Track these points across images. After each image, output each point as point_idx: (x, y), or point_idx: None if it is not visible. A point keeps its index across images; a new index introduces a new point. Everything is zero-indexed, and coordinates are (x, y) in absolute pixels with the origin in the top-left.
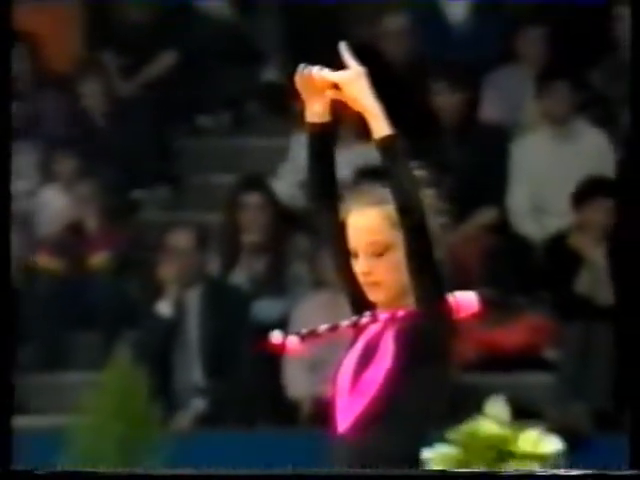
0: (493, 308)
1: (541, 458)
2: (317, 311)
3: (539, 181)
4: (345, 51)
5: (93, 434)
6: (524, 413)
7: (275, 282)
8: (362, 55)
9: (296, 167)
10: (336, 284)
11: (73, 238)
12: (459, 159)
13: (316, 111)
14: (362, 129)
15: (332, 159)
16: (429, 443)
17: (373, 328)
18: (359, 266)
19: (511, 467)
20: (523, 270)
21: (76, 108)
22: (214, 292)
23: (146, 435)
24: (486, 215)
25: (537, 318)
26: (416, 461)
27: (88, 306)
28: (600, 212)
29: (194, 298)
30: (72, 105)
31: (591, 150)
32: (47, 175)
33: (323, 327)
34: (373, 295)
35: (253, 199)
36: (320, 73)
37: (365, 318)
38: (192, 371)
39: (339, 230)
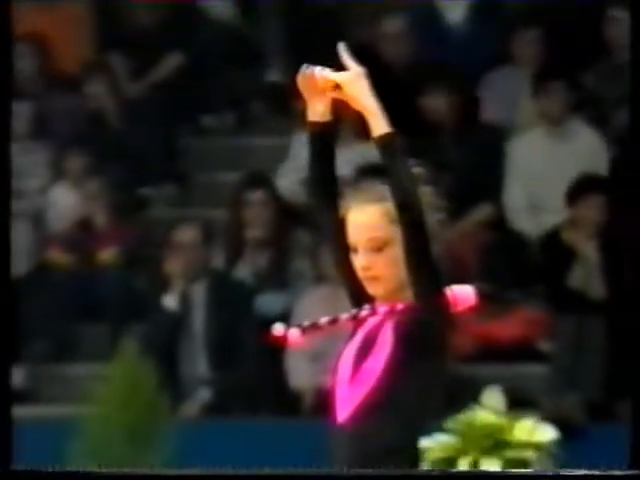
0: (489, 302)
1: (536, 446)
2: (318, 304)
3: (534, 179)
4: (344, 52)
5: (102, 424)
6: (519, 403)
7: (278, 276)
8: (361, 56)
9: (298, 165)
10: (336, 278)
11: (83, 234)
12: (457, 158)
13: (317, 110)
14: (362, 128)
15: (332, 157)
16: (427, 432)
17: (372, 321)
18: (359, 261)
19: (507, 455)
20: (518, 265)
21: (85, 108)
22: (219, 286)
23: (154, 424)
24: (483, 212)
25: (532, 311)
26: (414, 450)
27: (97, 300)
28: (593, 209)
29: (199, 292)
30: (81, 105)
31: (585, 149)
32: (57, 173)
33: (324, 320)
34: (372, 289)
35: (257, 196)
36: (322, 73)
37: (364, 311)
38: (198, 362)
39: (339, 226)
